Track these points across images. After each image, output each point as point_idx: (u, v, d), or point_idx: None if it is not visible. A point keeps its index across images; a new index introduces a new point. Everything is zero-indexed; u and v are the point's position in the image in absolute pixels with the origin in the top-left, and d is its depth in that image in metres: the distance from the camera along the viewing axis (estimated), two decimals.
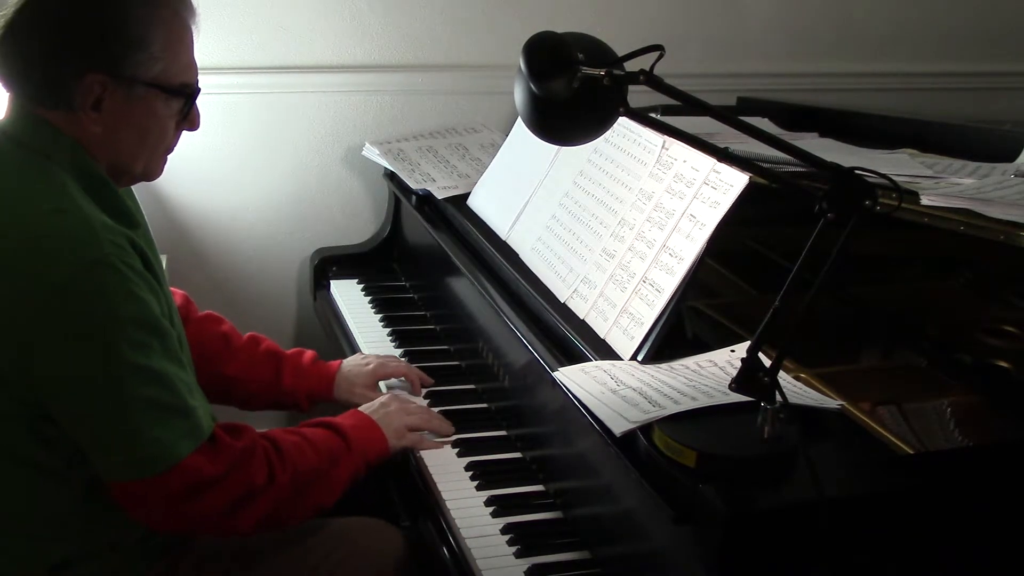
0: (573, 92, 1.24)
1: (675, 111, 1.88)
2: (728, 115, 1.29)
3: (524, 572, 1.43)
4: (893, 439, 1.35)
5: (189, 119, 1.51)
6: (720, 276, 1.94)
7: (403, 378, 1.94)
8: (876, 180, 1.23)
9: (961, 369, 1.66)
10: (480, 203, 2.14)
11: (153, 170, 1.52)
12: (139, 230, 1.46)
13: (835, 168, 1.23)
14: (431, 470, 1.68)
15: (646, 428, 1.29)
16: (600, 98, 1.25)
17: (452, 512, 1.57)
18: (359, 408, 1.75)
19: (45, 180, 1.39)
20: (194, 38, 1.49)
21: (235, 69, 2.48)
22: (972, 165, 1.91)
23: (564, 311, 1.69)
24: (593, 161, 1.82)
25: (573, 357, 1.58)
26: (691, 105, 1.26)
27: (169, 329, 1.41)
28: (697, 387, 1.37)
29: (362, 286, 2.42)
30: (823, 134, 2.31)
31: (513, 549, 1.48)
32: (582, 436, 1.46)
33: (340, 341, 2.22)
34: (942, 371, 1.64)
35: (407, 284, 2.43)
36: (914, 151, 2.06)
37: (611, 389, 1.41)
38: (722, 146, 1.47)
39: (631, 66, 1.24)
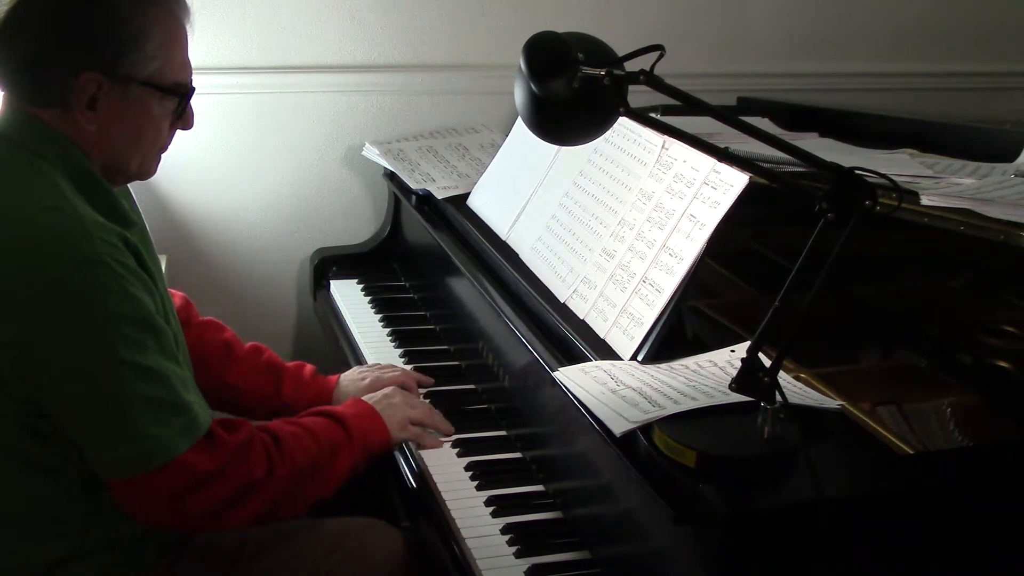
0: (573, 92, 1.24)
1: (675, 111, 1.89)
2: (728, 115, 1.29)
3: (524, 572, 1.43)
4: (893, 439, 1.35)
5: (183, 118, 1.52)
6: (720, 276, 1.94)
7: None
8: (876, 180, 1.23)
9: (961, 369, 1.66)
10: (480, 203, 2.14)
11: (147, 169, 1.53)
12: (133, 228, 1.46)
13: (835, 168, 1.23)
14: (431, 470, 1.67)
15: (646, 428, 1.29)
16: (600, 98, 1.25)
17: (452, 512, 1.57)
18: (361, 397, 1.76)
19: (39, 178, 1.39)
20: (188, 37, 1.49)
21: (235, 69, 2.48)
22: (972, 165, 1.91)
23: (564, 311, 1.69)
24: (593, 161, 1.82)
25: (573, 357, 1.58)
26: (691, 105, 1.26)
27: (164, 327, 1.41)
28: (697, 387, 1.37)
29: (362, 286, 2.42)
30: (823, 134, 2.31)
31: (513, 549, 1.48)
32: (582, 436, 1.46)
33: (340, 341, 2.22)
34: (942, 371, 1.64)
35: (407, 284, 2.43)
36: (914, 151, 2.05)
37: (611, 389, 1.41)
38: (722, 146, 1.48)
39: (631, 66, 1.24)
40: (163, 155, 1.56)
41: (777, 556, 1.18)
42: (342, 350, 2.17)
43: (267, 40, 2.49)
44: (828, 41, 2.86)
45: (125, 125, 1.45)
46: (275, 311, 2.67)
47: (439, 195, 2.25)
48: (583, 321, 1.66)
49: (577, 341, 1.60)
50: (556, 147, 1.90)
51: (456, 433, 1.77)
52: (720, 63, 2.78)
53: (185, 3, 1.49)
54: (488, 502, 1.59)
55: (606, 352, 1.57)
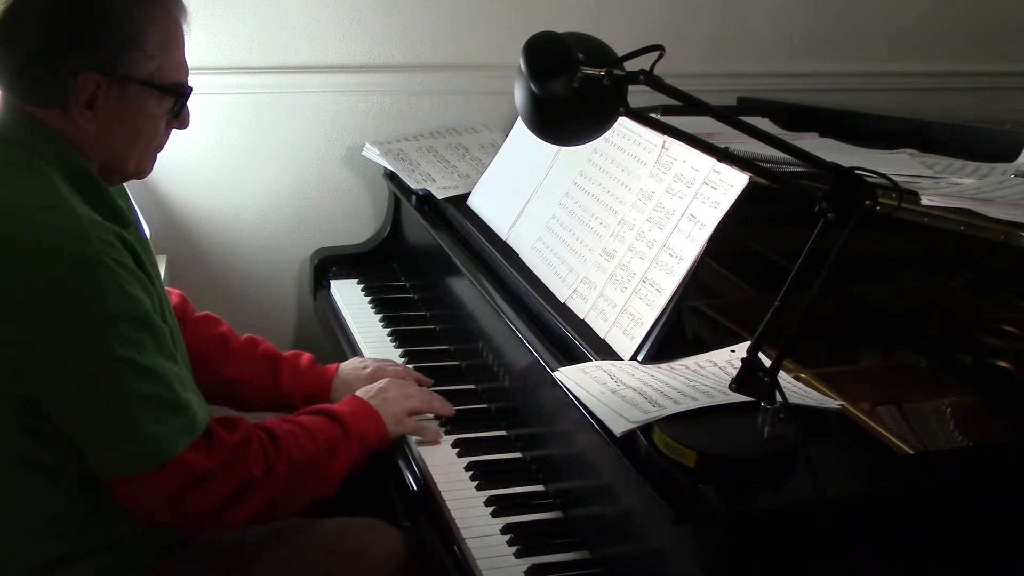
0: (573, 92, 1.24)
1: (675, 111, 1.89)
2: (728, 115, 1.29)
3: (524, 572, 1.43)
4: (893, 439, 1.35)
5: (180, 118, 1.53)
6: (720, 276, 1.94)
7: None
8: (876, 180, 1.23)
9: (961, 369, 1.66)
10: (480, 203, 2.14)
11: (144, 168, 1.53)
12: (130, 228, 1.46)
13: (835, 168, 1.23)
14: (431, 470, 1.67)
15: (646, 428, 1.29)
16: (600, 98, 1.25)
17: (452, 512, 1.57)
18: (356, 393, 1.76)
19: (36, 178, 1.39)
20: (185, 37, 1.50)
21: (235, 69, 2.48)
22: (972, 165, 1.91)
23: (564, 311, 1.69)
24: (593, 161, 1.82)
25: (573, 357, 1.58)
26: (691, 105, 1.26)
27: (162, 325, 1.41)
28: (697, 387, 1.37)
29: (362, 286, 2.42)
30: (823, 134, 2.31)
31: (513, 549, 1.48)
32: (582, 436, 1.46)
33: (340, 341, 2.22)
34: (942, 371, 1.64)
35: (407, 284, 2.43)
36: (914, 151, 2.05)
37: (611, 389, 1.40)
38: (722, 146, 1.47)
39: (631, 66, 1.24)
40: (162, 155, 1.56)
41: (777, 556, 1.18)
42: (342, 350, 2.17)
43: (267, 40, 2.49)
44: (828, 41, 2.85)
45: (123, 125, 1.45)
46: (275, 311, 2.67)
47: (439, 195, 2.25)
48: (583, 321, 1.66)
49: (577, 341, 1.60)
50: (556, 147, 1.90)
51: (456, 433, 1.77)
52: (720, 63, 2.78)
53: (182, 3, 1.49)
54: (488, 502, 1.59)
55: (606, 352, 1.57)
